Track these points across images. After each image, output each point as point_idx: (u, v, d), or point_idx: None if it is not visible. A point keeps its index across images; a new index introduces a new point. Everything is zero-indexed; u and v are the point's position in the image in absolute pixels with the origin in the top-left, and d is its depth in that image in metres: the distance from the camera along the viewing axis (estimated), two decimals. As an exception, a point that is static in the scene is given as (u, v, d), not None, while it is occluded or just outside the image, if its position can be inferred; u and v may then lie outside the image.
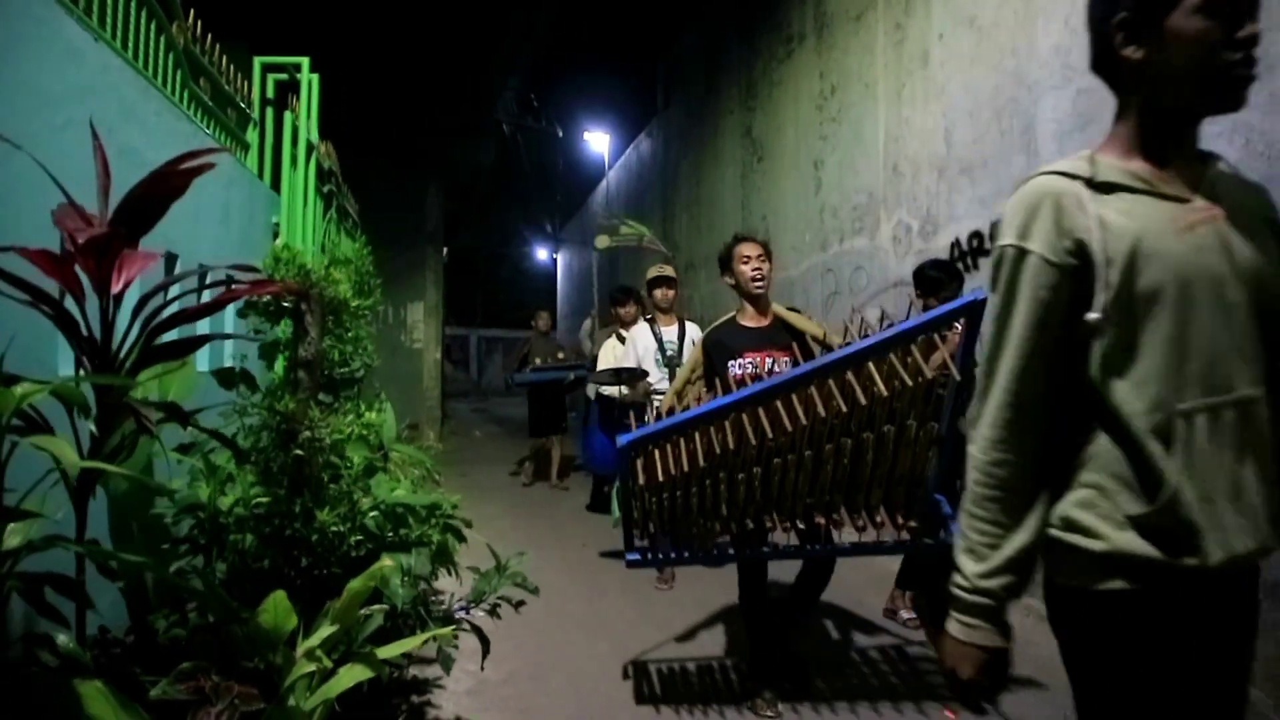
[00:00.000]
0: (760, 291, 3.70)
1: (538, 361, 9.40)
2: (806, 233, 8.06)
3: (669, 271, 5.99)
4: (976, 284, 5.35)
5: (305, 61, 5.26)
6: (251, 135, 5.39)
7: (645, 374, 5.51)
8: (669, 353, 5.71)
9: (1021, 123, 4.98)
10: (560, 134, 18.44)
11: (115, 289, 1.90)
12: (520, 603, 3.13)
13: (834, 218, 7.52)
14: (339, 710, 2.18)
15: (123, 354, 1.94)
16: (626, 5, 15.08)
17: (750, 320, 3.79)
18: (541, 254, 29.77)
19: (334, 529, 2.27)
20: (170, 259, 3.48)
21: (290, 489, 2.27)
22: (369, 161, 10.19)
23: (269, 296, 2.38)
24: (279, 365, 2.78)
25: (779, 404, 2.87)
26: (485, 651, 2.98)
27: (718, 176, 10.67)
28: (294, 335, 2.32)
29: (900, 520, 3.08)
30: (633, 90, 16.19)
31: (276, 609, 1.94)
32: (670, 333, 5.84)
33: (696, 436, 2.96)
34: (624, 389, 5.56)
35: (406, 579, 2.82)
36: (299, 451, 2.25)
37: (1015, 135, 5.03)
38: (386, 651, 2.12)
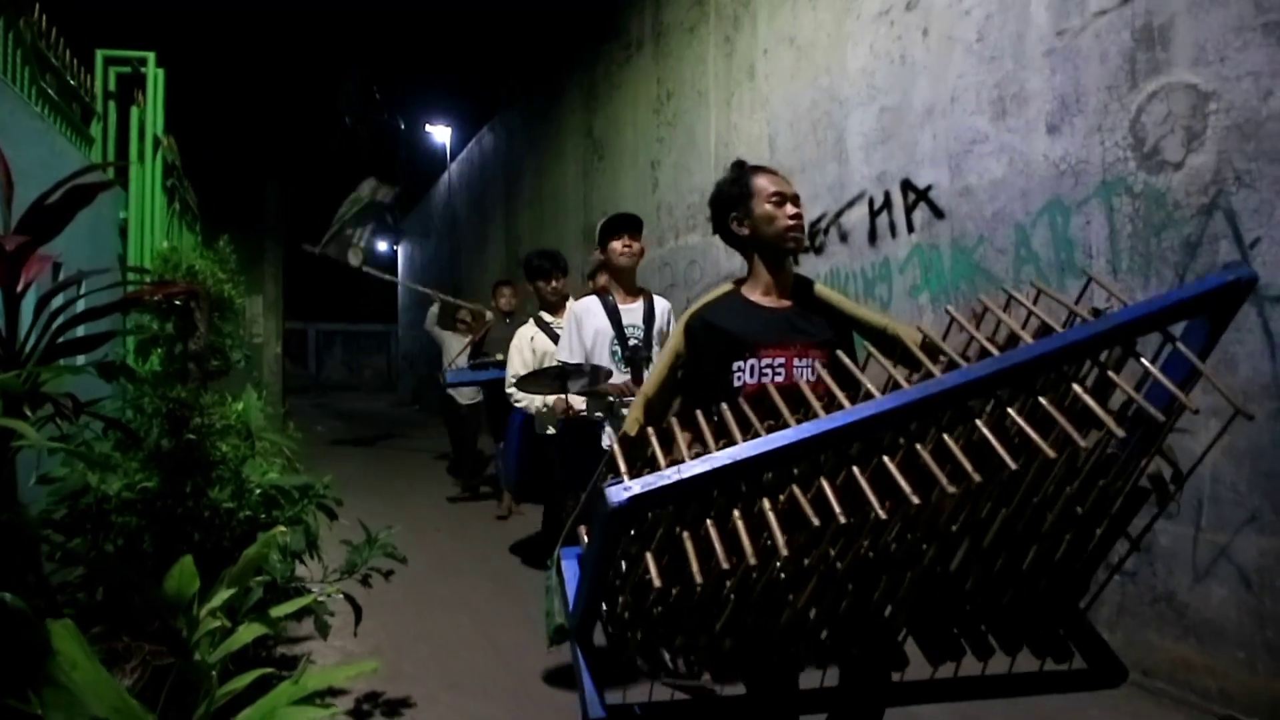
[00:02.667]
0: (794, 247, 2.35)
1: (499, 357, 7.14)
2: (644, 229, 8.52)
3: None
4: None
5: (151, 56, 5.26)
6: (95, 129, 5.35)
7: (608, 373, 3.86)
8: (634, 341, 3.96)
9: (834, 134, 5.58)
10: (402, 126, 18.32)
11: (19, 290, 2.09)
12: (389, 572, 3.40)
13: (670, 215, 8.01)
14: (232, 668, 2.43)
15: (28, 349, 2.13)
16: (471, 4, 15.21)
17: (766, 296, 2.36)
18: (382, 246, 29.27)
19: (225, 505, 2.50)
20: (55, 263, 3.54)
21: (179, 471, 2.48)
22: (208, 153, 9.98)
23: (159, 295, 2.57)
24: (155, 359, 2.95)
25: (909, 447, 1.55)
26: (358, 619, 3.24)
27: (560, 174, 11.01)
28: (181, 330, 2.52)
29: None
30: (476, 84, 16.31)
31: (181, 574, 2.18)
32: (633, 312, 4.01)
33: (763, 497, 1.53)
34: (572, 399, 4.10)
35: (283, 557, 3.06)
36: (191, 436, 2.46)
37: (829, 145, 5.63)
38: (280, 610, 2.38)
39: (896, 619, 1.67)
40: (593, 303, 4.08)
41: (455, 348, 8.86)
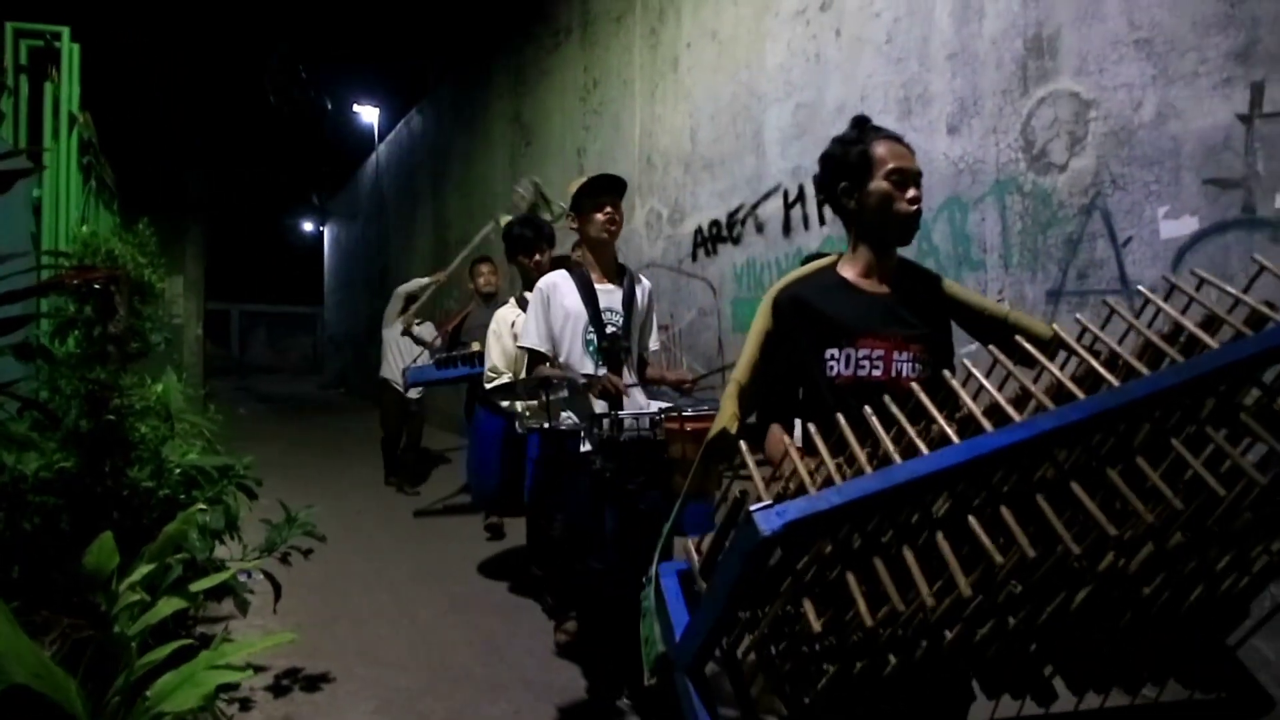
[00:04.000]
0: (906, 240, 2.04)
1: (475, 349, 5.82)
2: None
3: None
4: (711, 273, 6.13)
5: (66, 31, 5.17)
6: (5, 104, 5.24)
7: (602, 382, 3.21)
8: (611, 329, 3.35)
9: (753, 128, 5.75)
10: (329, 106, 18.04)
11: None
12: (309, 551, 3.47)
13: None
14: (151, 643, 2.50)
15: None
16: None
17: (865, 278, 2.06)
18: (307, 226, 28.81)
19: (145, 485, 2.55)
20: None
21: (99, 451, 2.52)
22: (126, 127, 9.74)
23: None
24: (71, 341, 2.97)
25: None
26: (277, 596, 3.32)
27: (488, 158, 11.02)
28: (101, 313, 2.56)
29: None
30: (405, 65, 16.14)
31: (101, 550, 2.24)
32: (612, 294, 3.41)
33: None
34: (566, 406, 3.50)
35: (202, 535, 3.11)
36: (111, 417, 2.50)
37: (748, 138, 5.80)
38: (199, 585, 2.45)
39: (1057, 650, 1.43)
40: (562, 278, 3.35)
41: (411, 347, 7.46)
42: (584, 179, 3.39)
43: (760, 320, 2.07)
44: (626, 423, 3.04)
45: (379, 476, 8.50)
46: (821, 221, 5.11)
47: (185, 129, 12.39)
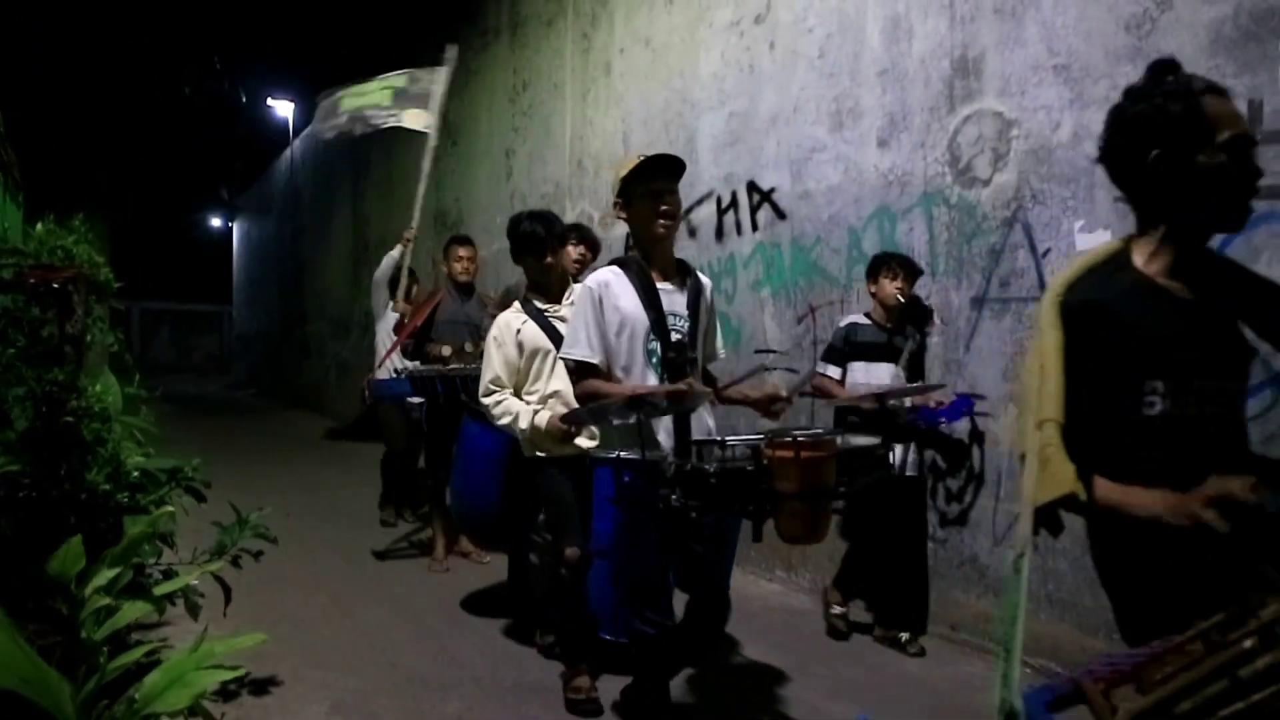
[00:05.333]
0: (1239, 227, 1.68)
1: (444, 354, 5.02)
2: (497, 216, 8.64)
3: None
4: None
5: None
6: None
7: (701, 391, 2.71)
8: (677, 336, 2.79)
9: (686, 134, 5.89)
10: (244, 99, 17.59)
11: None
12: (259, 553, 3.46)
13: (523, 204, 8.14)
14: (107, 648, 2.48)
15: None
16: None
17: (1171, 279, 1.63)
18: (215, 221, 27.97)
19: (103, 488, 2.53)
20: None
21: (57, 454, 2.49)
22: (31, 117, 9.37)
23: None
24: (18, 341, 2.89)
25: None
26: (227, 600, 3.30)
27: (411, 156, 10.88)
28: (60, 312, 2.52)
29: None
30: (324, 59, 15.84)
31: (68, 555, 2.22)
32: (674, 296, 2.84)
33: None
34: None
35: (151, 541, 3.08)
36: (69, 419, 2.47)
37: (680, 145, 5.93)
38: (162, 588, 2.45)
39: None
40: (615, 276, 2.78)
41: (385, 338, 6.46)
42: (635, 159, 2.73)
43: (1049, 332, 1.55)
44: (717, 451, 2.45)
45: (304, 480, 8.38)
46: (754, 227, 5.27)
47: (93, 123, 11.97)
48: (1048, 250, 3.67)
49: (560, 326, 3.35)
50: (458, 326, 5.20)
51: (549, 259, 3.60)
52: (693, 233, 5.83)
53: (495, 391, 3.51)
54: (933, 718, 3.42)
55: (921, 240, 4.23)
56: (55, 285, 2.44)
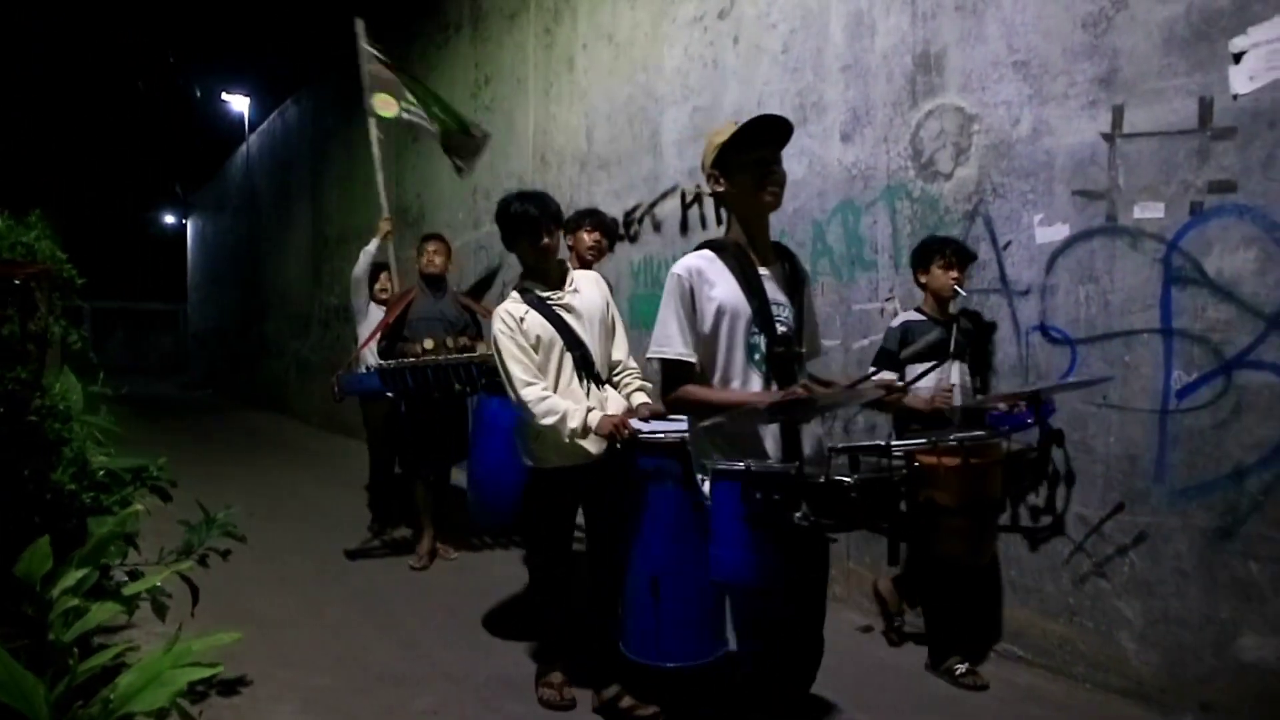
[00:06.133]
0: None
1: (426, 347, 4.89)
2: (460, 211, 8.61)
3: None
4: (608, 270, 6.26)
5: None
6: None
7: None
8: (782, 329, 2.38)
9: (650, 129, 5.91)
10: (198, 94, 17.28)
11: None
12: (228, 551, 3.42)
13: (486, 199, 8.13)
14: (75, 651, 2.45)
15: None
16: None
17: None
18: (169, 219, 27.47)
19: (69, 488, 2.49)
20: None
21: (19, 454, 2.44)
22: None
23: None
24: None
25: None
26: (195, 600, 3.26)
27: (371, 151, 10.82)
28: (21, 310, 2.47)
29: None
30: (280, 54, 15.62)
31: (35, 556, 2.19)
32: (773, 282, 2.43)
33: None
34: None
35: (118, 542, 3.04)
36: (33, 418, 2.43)
37: (645, 139, 5.95)
38: (130, 589, 2.42)
39: None
40: (708, 262, 2.37)
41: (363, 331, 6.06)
42: (732, 125, 2.34)
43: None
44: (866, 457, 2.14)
45: (267, 479, 8.28)
46: (719, 221, 5.30)
47: (43, 116, 11.72)
48: (1008, 243, 3.74)
49: (566, 317, 3.18)
50: (432, 323, 5.06)
51: (545, 240, 3.24)
52: (657, 227, 5.85)
53: (532, 384, 3.07)
54: None
55: (885, 233, 4.28)
56: (17, 282, 2.40)
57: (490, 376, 4.45)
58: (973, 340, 3.74)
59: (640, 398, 3.29)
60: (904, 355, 3.39)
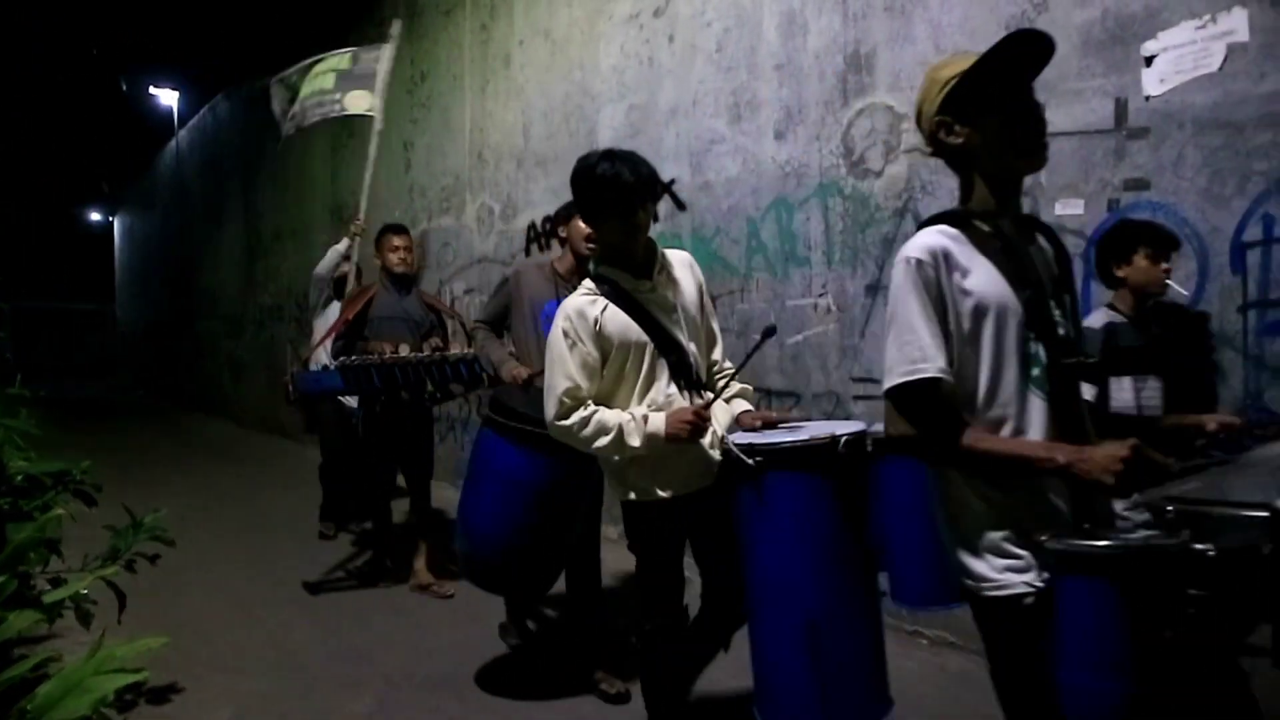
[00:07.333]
0: None
1: (401, 350, 4.44)
2: (396, 209, 8.51)
3: None
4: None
5: None
6: None
7: None
8: (1063, 330, 1.69)
9: (586, 126, 5.91)
10: (124, 87, 16.79)
11: None
12: (156, 556, 3.35)
13: (423, 197, 8.07)
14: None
15: None
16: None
17: None
18: (96, 216, 26.66)
19: (-16, 495, 2.42)
20: None
21: (-69, 461, 2.37)
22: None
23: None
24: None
25: None
26: (121, 606, 3.18)
27: (307, 149, 10.66)
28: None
29: None
30: (211, 48, 15.26)
31: (-52, 565, 2.13)
32: (1042, 271, 1.74)
33: None
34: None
35: (39, 548, 2.96)
36: (-53, 424, 2.36)
37: (581, 137, 5.95)
38: (51, 597, 2.36)
39: None
40: (955, 241, 1.67)
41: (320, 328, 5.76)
42: (964, 57, 1.71)
43: None
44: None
45: (199, 482, 8.11)
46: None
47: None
48: (937, 239, 3.82)
49: (657, 313, 2.48)
50: (396, 323, 4.62)
51: (639, 216, 2.44)
52: (596, 225, 5.84)
53: (574, 408, 2.40)
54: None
55: (818, 230, 4.35)
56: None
57: (468, 381, 4.30)
58: (1172, 345, 3.11)
59: (742, 404, 2.62)
60: (1112, 366, 2.86)
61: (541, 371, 2.89)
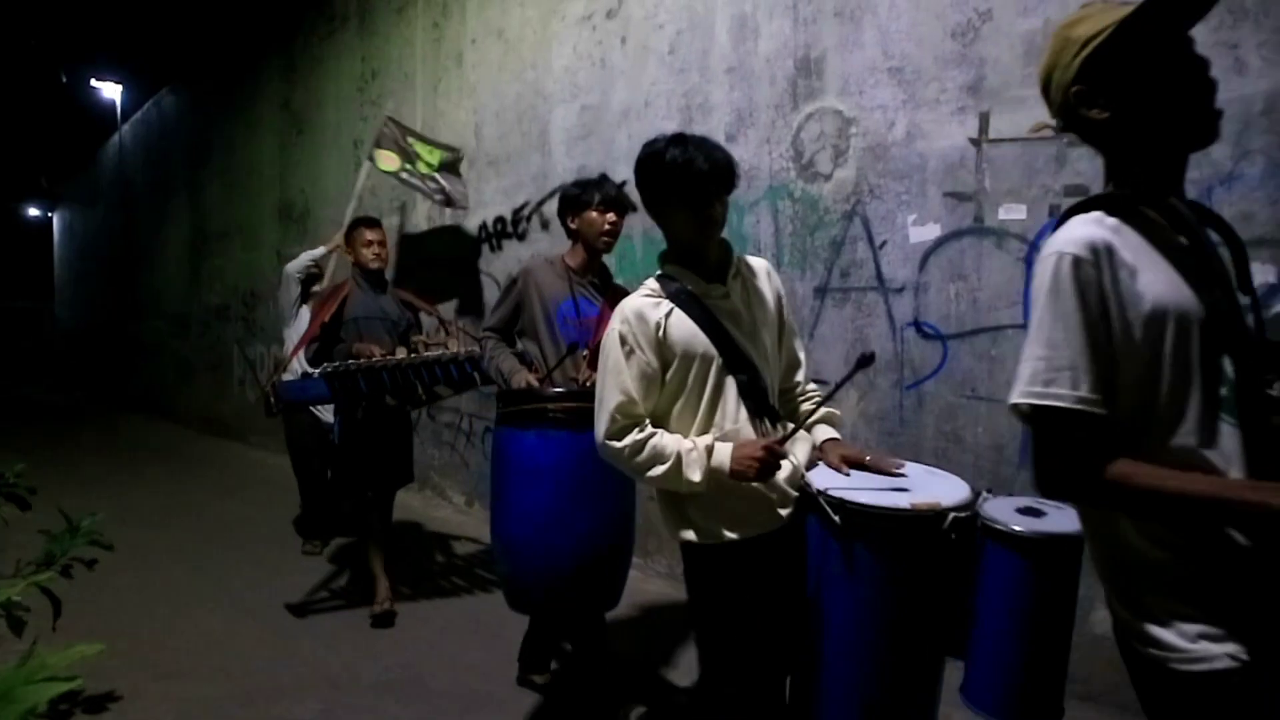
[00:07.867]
0: None
1: (376, 354, 4.05)
2: (346, 208, 8.39)
3: None
4: (496, 268, 6.22)
5: None
6: None
7: None
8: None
9: (539, 127, 5.89)
10: (64, 79, 16.35)
11: None
12: (93, 561, 3.27)
13: (373, 196, 7.96)
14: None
15: None
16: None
17: None
18: (33, 211, 25.95)
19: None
20: None
21: None
22: None
23: None
24: None
25: None
26: (56, 614, 3.10)
27: (255, 146, 10.49)
28: None
29: None
30: (155, 39, 14.90)
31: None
32: None
33: None
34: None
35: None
36: None
37: (534, 137, 5.93)
38: (-17, 603, 2.29)
39: None
40: (1116, 233, 1.34)
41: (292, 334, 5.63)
42: (1107, 7, 1.40)
43: None
44: None
45: (139, 484, 7.90)
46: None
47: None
48: (885, 242, 3.88)
49: (729, 325, 2.11)
50: (373, 323, 4.38)
51: (715, 209, 2.09)
52: (545, 225, 5.84)
53: (628, 427, 2.06)
54: None
55: (768, 232, 4.38)
56: None
57: (459, 383, 4.08)
58: None
59: (827, 432, 2.26)
60: None
61: (550, 374, 2.97)
